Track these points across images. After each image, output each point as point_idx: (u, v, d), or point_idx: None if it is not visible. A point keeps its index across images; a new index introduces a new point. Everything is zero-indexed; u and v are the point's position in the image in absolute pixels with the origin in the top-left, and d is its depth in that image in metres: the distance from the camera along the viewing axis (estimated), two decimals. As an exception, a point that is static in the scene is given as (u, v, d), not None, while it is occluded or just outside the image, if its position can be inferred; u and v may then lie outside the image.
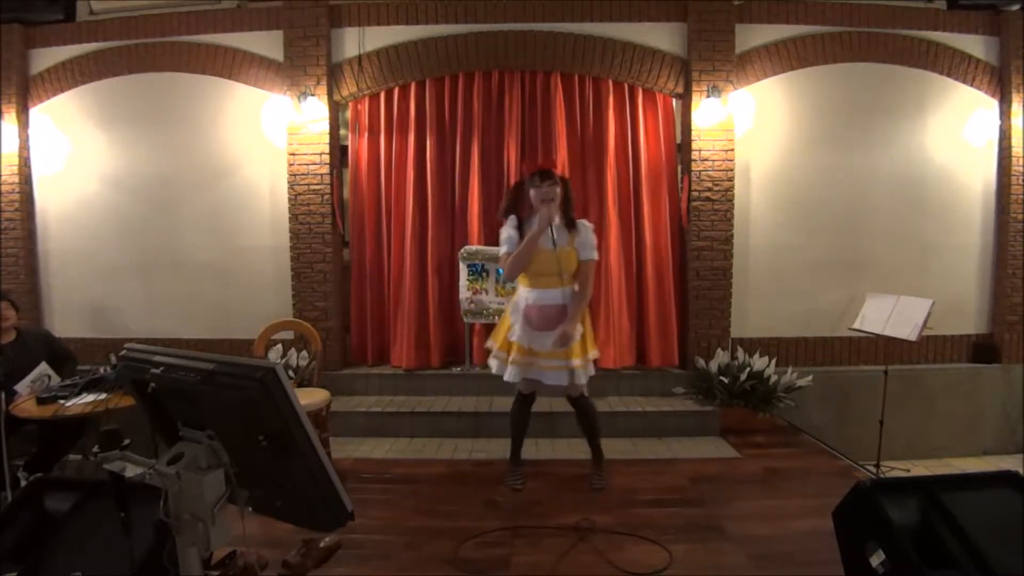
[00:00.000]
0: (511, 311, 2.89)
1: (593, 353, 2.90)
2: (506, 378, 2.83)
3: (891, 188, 4.52)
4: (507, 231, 2.81)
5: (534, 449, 3.66)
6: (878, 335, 3.92)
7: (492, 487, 3.07)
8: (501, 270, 4.14)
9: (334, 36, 4.39)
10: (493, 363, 2.93)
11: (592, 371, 2.90)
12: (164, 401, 1.26)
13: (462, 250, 4.31)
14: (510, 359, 2.81)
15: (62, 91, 4.58)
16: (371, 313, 4.64)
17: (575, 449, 3.66)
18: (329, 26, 4.34)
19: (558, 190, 2.71)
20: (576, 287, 2.82)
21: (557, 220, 2.74)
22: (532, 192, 2.73)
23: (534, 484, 3.11)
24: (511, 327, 2.84)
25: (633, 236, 4.50)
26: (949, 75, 4.49)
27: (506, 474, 3.10)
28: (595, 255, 2.85)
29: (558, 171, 2.87)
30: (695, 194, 4.36)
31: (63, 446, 3.10)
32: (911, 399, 4.41)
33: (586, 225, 2.83)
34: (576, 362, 2.77)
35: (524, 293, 2.84)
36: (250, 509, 1.23)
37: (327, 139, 4.36)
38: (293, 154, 4.39)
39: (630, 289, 4.52)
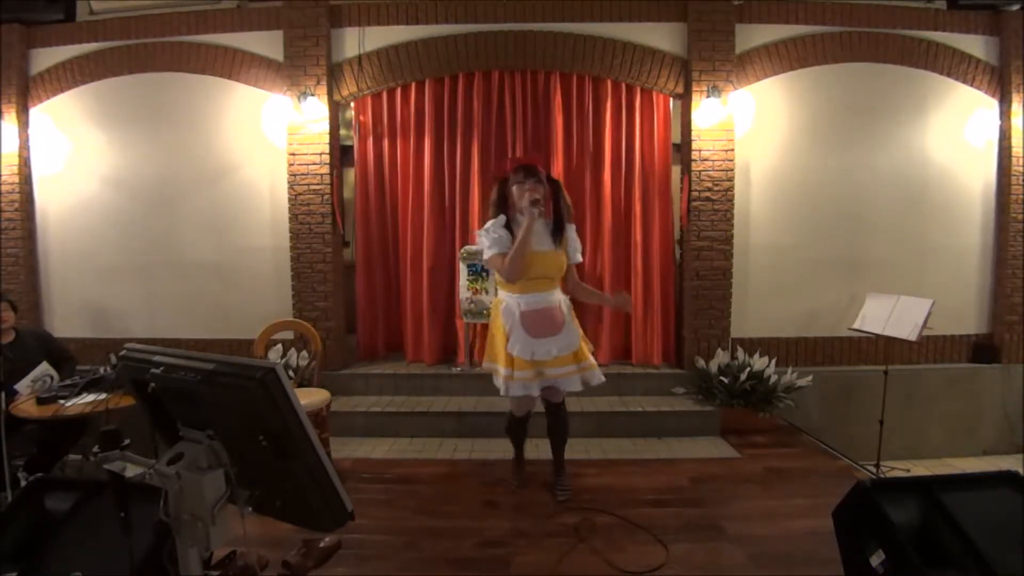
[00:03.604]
0: (504, 322, 2.66)
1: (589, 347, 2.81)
2: (513, 393, 2.65)
3: (891, 188, 4.53)
4: (497, 231, 2.62)
5: (534, 449, 3.65)
6: (878, 335, 3.92)
7: (492, 487, 3.07)
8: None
9: (334, 36, 4.39)
10: (500, 383, 2.69)
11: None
12: (164, 401, 1.26)
13: (462, 250, 4.32)
14: (515, 374, 2.61)
15: (62, 91, 4.58)
16: (377, 311, 4.74)
17: (575, 449, 3.65)
18: (329, 26, 4.34)
19: (543, 188, 2.59)
20: (569, 288, 2.79)
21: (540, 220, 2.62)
22: (515, 189, 2.61)
23: (535, 484, 3.11)
24: (508, 340, 2.63)
25: (623, 236, 4.58)
26: (949, 75, 4.49)
27: (509, 472, 3.14)
28: (581, 258, 2.82)
29: (542, 168, 2.68)
30: (695, 194, 4.36)
31: (63, 446, 3.10)
32: (911, 399, 4.41)
33: (574, 227, 2.78)
34: (587, 363, 2.69)
35: (514, 299, 2.64)
36: (250, 509, 1.23)
37: (327, 139, 4.36)
38: (293, 154, 4.39)
39: (626, 287, 4.58)
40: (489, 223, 2.66)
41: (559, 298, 2.71)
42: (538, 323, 2.62)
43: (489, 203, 2.75)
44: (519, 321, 2.62)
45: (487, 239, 2.62)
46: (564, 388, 2.71)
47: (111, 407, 2.44)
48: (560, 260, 2.68)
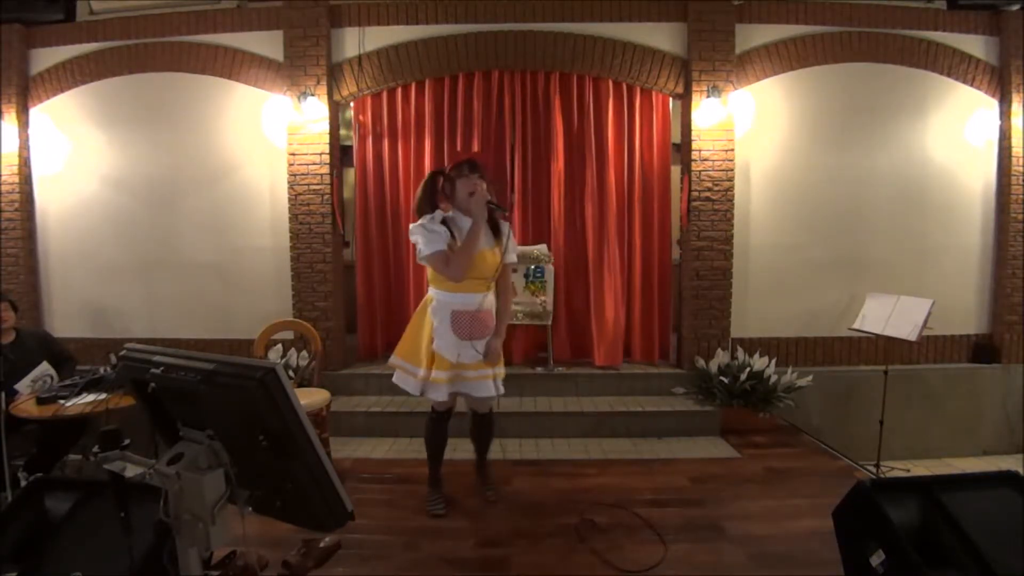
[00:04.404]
0: (433, 318, 2.56)
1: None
2: (437, 397, 2.57)
3: (891, 188, 4.53)
4: (435, 227, 2.46)
5: (534, 449, 3.67)
6: (878, 335, 3.92)
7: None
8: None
9: (334, 36, 4.39)
10: (413, 384, 2.60)
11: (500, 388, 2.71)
12: (164, 401, 1.26)
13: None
14: (433, 375, 2.54)
15: (62, 91, 4.58)
16: (377, 311, 4.75)
17: (575, 449, 3.67)
18: (329, 26, 4.34)
19: (484, 185, 2.53)
20: (496, 292, 2.65)
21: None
22: (459, 183, 2.53)
23: (535, 484, 3.11)
24: (432, 338, 2.55)
25: (626, 236, 4.60)
26: (949, 75, 4.49)
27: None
28: (516, 259, 2.73)
29: (488, 169, 2.64)
30: (695, 194, 4.36)
31: (63, 446, 3.10)
32: (911, 399, 4.42)
33: (508, 226, 2.68)
34: (500, 371, 2.66)
35: (446, 298, 2.54)
36: (250, 509, 1.23)
37: (327, 139, 4.36)
38: (293, 154, 4.39)
39: (627, 287, 4.63)
40: (425, 218, 2.51)
41: (491, 301, 2.63)
42: (468, 324, 2.54)
43: (418, 198, 2.60)
44: (449, 321, 2.54)
45: (424, 235, 2.47)
46: (476, 393, 2.62)
47: (111, 407, 2.44)
48: (497, 260, 2.59)
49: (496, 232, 2.62)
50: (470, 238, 2.46)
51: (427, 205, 2.55)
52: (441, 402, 2.64)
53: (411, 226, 2.56)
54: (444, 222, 2.51)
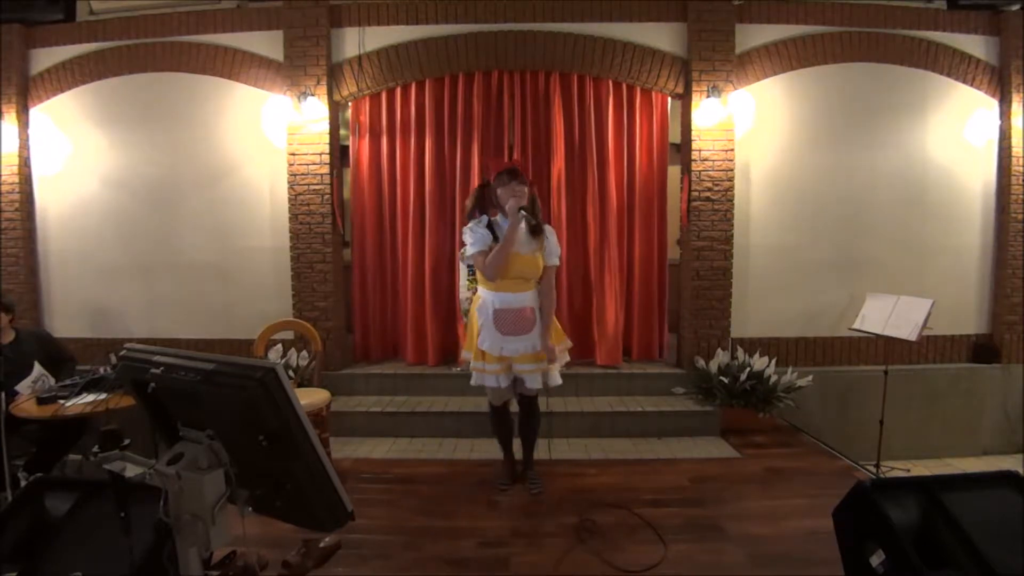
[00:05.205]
0: (479, 317, 2.79)
1: (564, 344, 2.91)
2: (486, 383, 2.80)
3: (891, 188, 4.53)
4: (479, 230, 2.71)
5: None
6: (878, 335, 3.92)
7: (492, 487, 3.07)
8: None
9: (334, 36, 4.39)
10: (474, 374, 2.84)
11: (566, 358, 2.93)
12: (164, 401, 1.26)
13: (462, 250, 4.32)
14: (486, 366, 2.78)
15: (62, 91, 4.58)
16: (375, 312, 4.76)
17: (575, 449, 3.67)
18: (329, 26, 4.34)
19: (527, 190, 2.69)
20: (540, 291, 2.81)
21: (523, 224, 2.68)
22: (501, 191, 2.69)
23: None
24: (480, 333, 2.78)
25: (625, 235, 4.62)
26: (949, 75, 4.49)
27: (496, 474, 3.13)
28: (559, 261, 2.89)
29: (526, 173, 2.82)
30: (695, 194, 4.36)
31: (63, 446, 3.10)
32: (911, 399, 4.42)
33: (552, 230, 2.84)
34: (550, 365, 2.82)
35: (490, 297, 2.75)
36: (250, 509, 1.24)
37: (327, 139, 4.36)
38: (293, 154, 4.39)
39: (626, 286, 4.66)
40: (472, 222, 2.76)
41: (533, 299, 2.79)
42: (509, 322, 2.73)
43: (468, 206, 2.84)
44: (492, 318, 2.74)
45: (470, 237, 2.73)
46: (527, 384, 2.81)
47: (111, 407, 2.44)
48: (538, 262, 2.75)
49: (536, 235, 2.74)
50: (504, 241, 2.64)
51: (476, 211, 2.80)
52: (493, 393, 2.87)
53: (463, 228, 2.81)
54: (489, 226, 2.73)
